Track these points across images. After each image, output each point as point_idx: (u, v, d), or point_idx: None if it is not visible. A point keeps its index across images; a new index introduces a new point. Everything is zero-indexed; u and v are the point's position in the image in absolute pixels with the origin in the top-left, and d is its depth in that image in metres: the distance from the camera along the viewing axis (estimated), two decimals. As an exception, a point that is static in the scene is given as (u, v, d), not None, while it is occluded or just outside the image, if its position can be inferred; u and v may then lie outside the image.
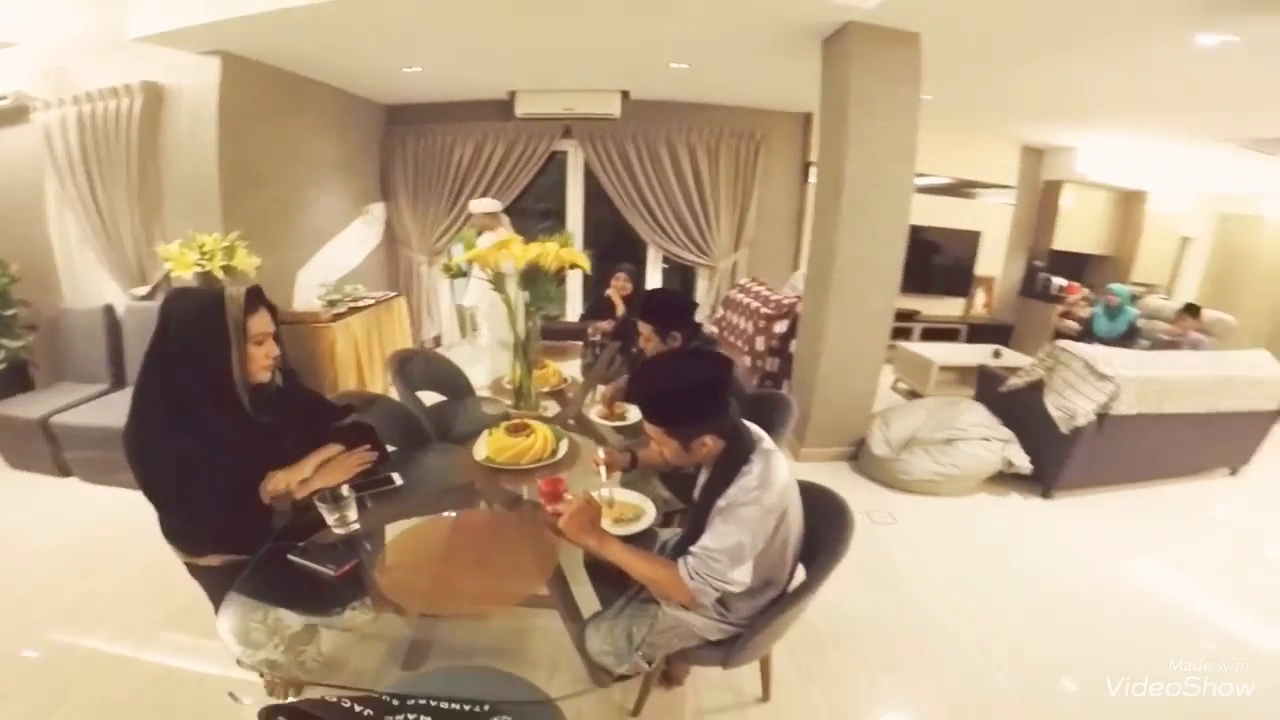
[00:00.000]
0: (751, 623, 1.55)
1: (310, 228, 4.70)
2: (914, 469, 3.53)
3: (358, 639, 1.60)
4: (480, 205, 4.20)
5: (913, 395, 5.02)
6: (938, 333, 6.17)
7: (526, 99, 5.15)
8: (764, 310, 4.40)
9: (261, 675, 1.44)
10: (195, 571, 1.57)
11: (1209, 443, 3.82)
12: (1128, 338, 5.09)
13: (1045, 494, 3.59)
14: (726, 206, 5.69)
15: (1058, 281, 6.55)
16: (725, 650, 1.57)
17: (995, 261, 6.70)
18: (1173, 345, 4.55)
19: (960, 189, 6.47)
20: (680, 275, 6.18)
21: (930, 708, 2.10)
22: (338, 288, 4.30)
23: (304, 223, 4.63)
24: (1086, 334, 5.35)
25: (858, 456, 3.81)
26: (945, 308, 6.58)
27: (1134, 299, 5.45)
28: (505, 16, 3.35)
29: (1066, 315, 5.79)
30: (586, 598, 1.62)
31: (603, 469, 1.72)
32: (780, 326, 4.23)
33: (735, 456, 1.41)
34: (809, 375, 3.74)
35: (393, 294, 5.01)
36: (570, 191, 5.72)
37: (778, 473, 1.39)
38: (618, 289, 3.82)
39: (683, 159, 5.48)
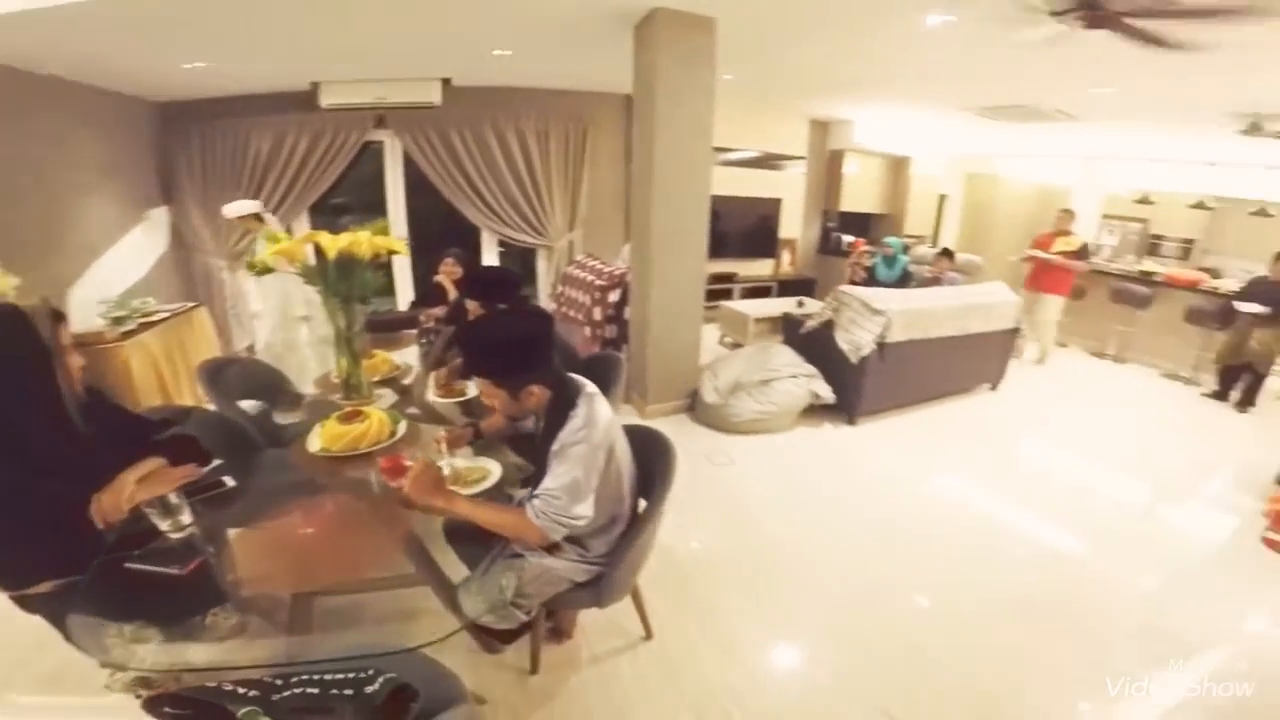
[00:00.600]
0: (610, 558, 1.71)
1: (79, 240, 4.14)
2: (742, 411, 3.97)
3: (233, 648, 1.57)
4: (234, 209, 3.96)
5: (736, 347, 5.55)
6: (754, 290, 6.86)
7: (332, 90, 4.87)
8: (598, 283, 4.63)
9: (138, 696, 1.35)
10: (28, 604, 1.45)
11: (970, 361, 4.72)
12: (903, 281, 5.99)
13: (850, 421, 4.21)
14: (559, 188, 5.83)
15: (846, 238, 7.55)
16: (595, 590, 1.71)
17: (795, 224, 7.54)
18: (934, 283, 5.48)
19: (766, 161, 7.17)
20: (520, 257, 6.24)
21: (797, 626, 2.38)
22: (122, 303, 3.83)
23: (71, 235, 4.07)
24: (871, 280, 6.21)
25: (694, 407, 4.19)
26: (758, 268, 7.31)
27: (905, 249, 6.42)
28: (301, 9, 3.19)
29: (855, 266, 6.68)
30: (455, 566, 1.70)
31: (443, 445, 1.79)
32: (614, 296, 4.49)
33: (563, 403, 1.55)
34: (642, 337, 4.05)
35: (191, 305, 4.57)
36: (390, 181, 5.52)
37: (600, 413, 1.55)
38: (447, 274, 3.81)
39: (512, 144, 5.51)
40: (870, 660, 2.18)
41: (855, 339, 3.93)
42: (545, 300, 6.04)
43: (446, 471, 1.70)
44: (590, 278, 4.79)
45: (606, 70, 4.43)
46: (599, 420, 1.53)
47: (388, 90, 4.93)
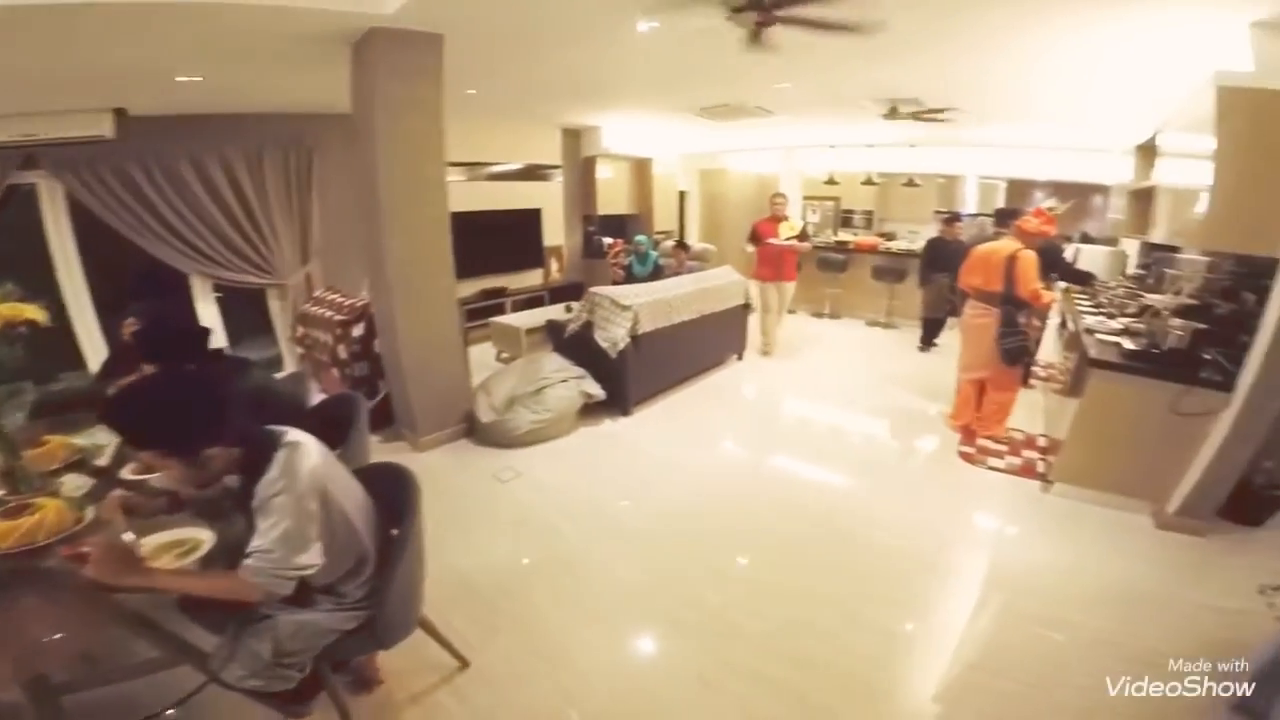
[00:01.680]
0: (372, 600, 1.65)
1: None
2: (520, 423, 4.01)
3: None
4: None
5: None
6: (529, 301, 6.95)
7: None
8: (338, 318, 4.34)
9: None
10: None
11: (715, 338, 5.30)
12: (656, 274, 6.53)
13: (625, 412, 4.46)
14: (283, 219, 5.27)
15: (606, 240, 8.00)
16: (372, 633, 1.65)
17: (559, 232, 7.79)
18: (676, 273, 6.10)
19: (527, 173, 7.32)
20: (248, 300, 5.55)
21: (611, 618, 2.45)
22: None
23: None
24: (630, 278, 6.67)
25: (474, 429, 4.14)
26: (529, 279, 7.43)
27: (655, 245, 7.02)
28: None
29: (614, 266, 7.13)
30: (205, 636, 1.52)
31: (117, 515, 1.64)
32: (358, 330, 4.24)
33: (256, 459, 1.46)
34: (398, 368, 3.87)
35: None
36: (53, 231, 4.53)
37: (303, 460, 1.49)
38: (129, 332, 3.25)
39: (215, 175, 4.85)
40: (684, 634, 2.35)
41: (611, 335, 4.21)
42: (285, 345, 5.48)
43: (131, 537, 1.58)
44: (329, 314, 4.47)
45: (330, 91, 4.13)
46: (299, 468, 1.46)
47: (39, 125, 4.05)
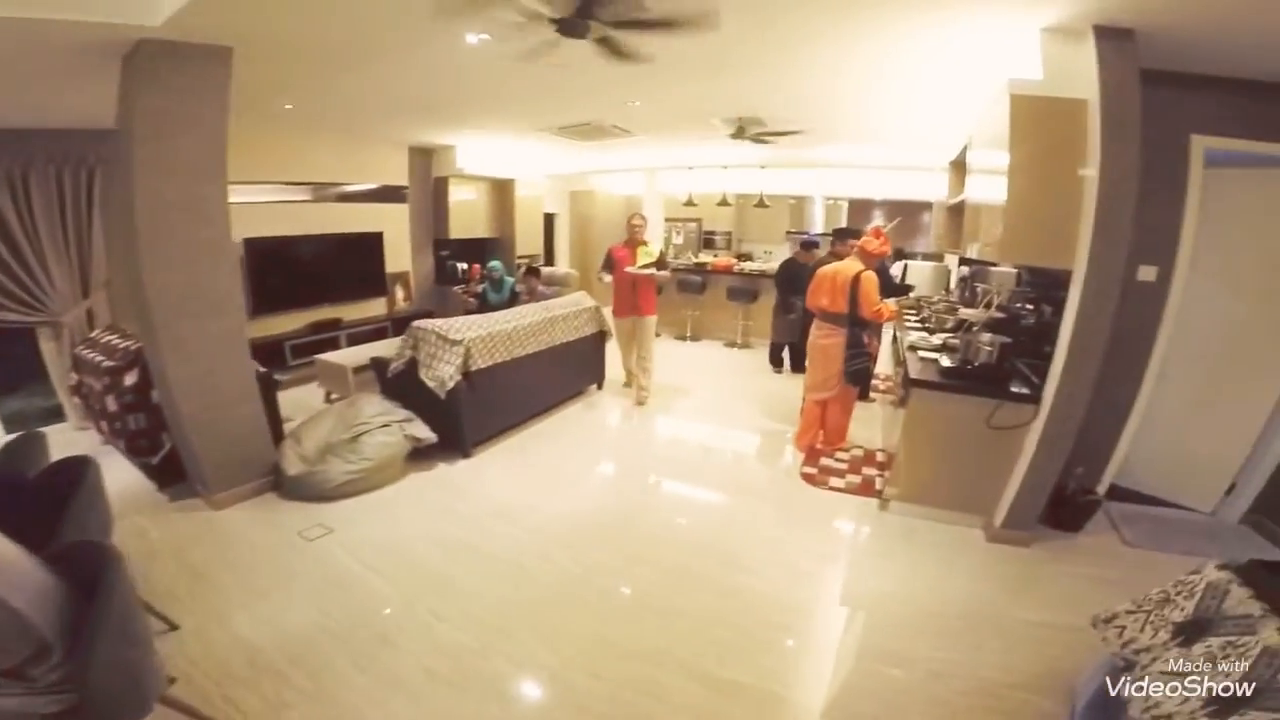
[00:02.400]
0: (73, 681, 1.51)
1: None
2: (333, 474, 3.48)
3: None
4: None
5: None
6: (372, 333, 6.30)
7: None
8: (107, 364, 3.59)
9: None
10: None
11: (570, 368, 4.98)
12: (513, 301, 6.16)
13: (465, 454, 4.03)
14: (54, 247, 4.39)
15: (462, 266, 7.51)
16: (86, 716, 1.51)
17: (405, 257, 7.20)
18: (530, 300, 5.75)
19: (373, 194, 6.74)
20: (18, 341, 4.55)
21: (421, 695, 2.13)
22: None
23: None
24: (485, 306, 6.24)
25: (281, 483, 3.56)
26: (370, 309, 6.77)
27: (510, 272, 6.66)
28: None
29: (465, 294, 6.67)
30: None
31: None
32: (131, 378, 3.51)
33: None
34: (177, 420, 3.27)
35: None
36: None
37: None
38: None
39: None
40: (510, 701, 2.15)
41: (439, 374, 3.77)
42: (64, 395, 4.56)
43: None
44: (100, 359, 3.71)
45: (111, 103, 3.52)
46: None
47: None
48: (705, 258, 7.85)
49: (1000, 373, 2.87)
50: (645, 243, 5.05)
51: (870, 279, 3.66)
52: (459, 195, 7.67)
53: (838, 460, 3.98)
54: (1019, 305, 3.42)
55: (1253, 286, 3.00)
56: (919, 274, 5.45)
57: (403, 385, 4.01)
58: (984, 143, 3.35)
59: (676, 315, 7.38)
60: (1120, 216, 2.36)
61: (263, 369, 3.90)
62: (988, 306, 3.24)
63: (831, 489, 3.64)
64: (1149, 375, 3.01)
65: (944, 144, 5.00)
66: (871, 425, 4.61)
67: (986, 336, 2.94)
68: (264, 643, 2.35)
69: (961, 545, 3.04)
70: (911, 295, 4.65)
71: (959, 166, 4.39)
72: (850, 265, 3.77)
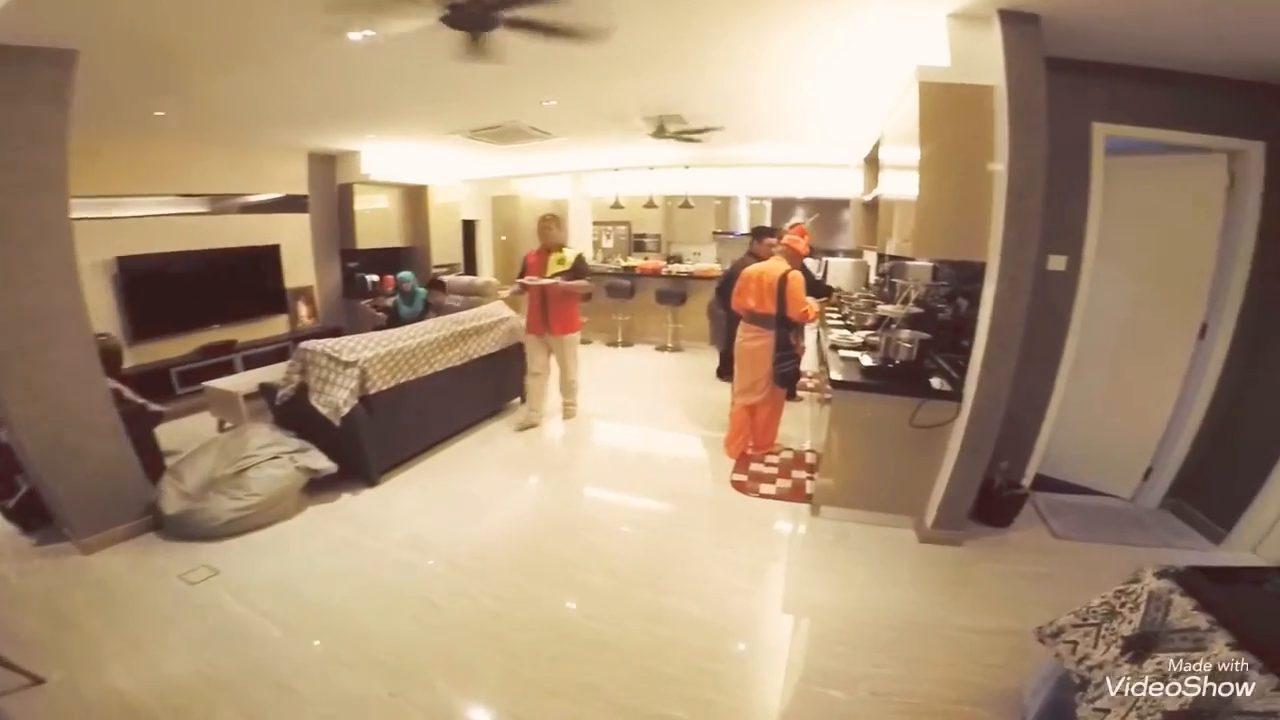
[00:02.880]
0: None
1: None
2: (218, 512, 3.10)
3: None
4: None
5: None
6: (266, 357, 5.76)
7: None
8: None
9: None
10: None
11: (489, 383, 4.68)
12: (425, 314, 5.78)
13: (371, 483, 3.67)
14: None
15: (372, 278, 7.04)
16: None
17: (308, 270, 6.68)
18: (444, 313, 5.43)
19: (272, 205, 6.26)
20: None
21: None
22: None
23: None
24: (395, 320, 5.83)
25: (161, 523, 3.15)
26: (269, 328, 6.23)
27: (424, 283, 6.28)
28: None
29: (374, 307, 6.25)
30: None
31: None
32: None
33: None
34: (29, 460, 2.87)
35: None
36: None
37: None
38: None
39: None
40: None
41: (332, 399, 3.41)
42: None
43: None
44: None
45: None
46: None
47: None
48: (636, 260, 7.64)
49: (921, 370, 2.81)
50: (560, 248, 4.50)
51: (798, 279, 3.56)
52: (366, 203, 7.21)
53: (768, 464, 3.86)
54: (936, 300, 3.39)
55: (1154, 271, 3.05)
56: (839, 271, 5.44)
57: (299, 412, 3.62)
58: (896, 137, 3.29)
59: (607, 320, 7.17)
60: (1030, 205, 2.30)
61: (140, 400, 3.51)
62: (905, 302, 3.18)
63: (763, 495, 3.51)
64: (1064, 364, 3.01)
65: (858, 141, 5.00)
66: (800, 425, 4.54)
67: (906, 334, 2.87)
68: (142, 694, 2.12)
69: (894, 548, 2.95)
70: (833, 294, 4.61)
71: (873, 163, 4.37)
72: (776, 265, 3.66)
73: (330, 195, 7.06)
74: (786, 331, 3.61)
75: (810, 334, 5.35)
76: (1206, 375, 2.97)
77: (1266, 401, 2.82)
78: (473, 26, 2.75)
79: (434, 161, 7.52)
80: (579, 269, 4.47)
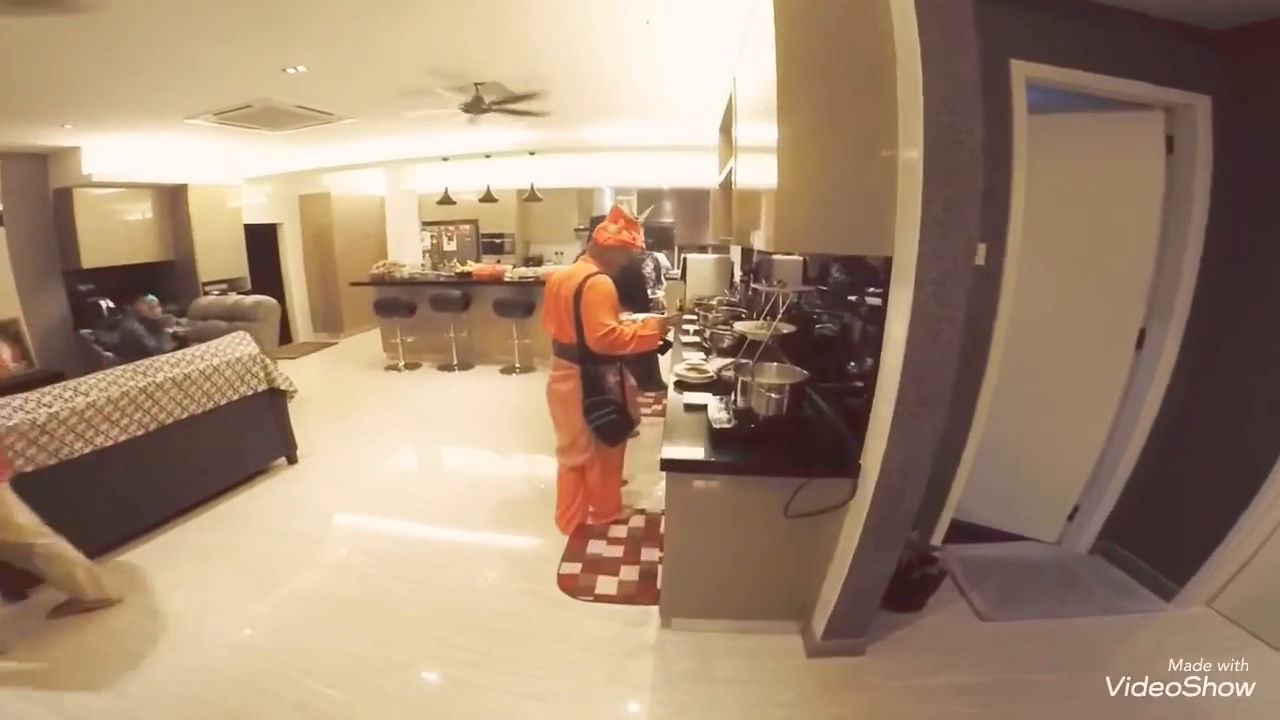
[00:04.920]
0: None
1: None
2: None
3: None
4: None
5: None
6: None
7: None
8: None
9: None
10: None
11: (231, 442, 3.38)
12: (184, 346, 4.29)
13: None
14: None
15: (107, 303, 5.36)
16: None
17: (9, 300, 4.88)
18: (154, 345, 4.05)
19: None
20: None
21: None
22: None
23: None
24: (138, 353, 4.29)
25: None
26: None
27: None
28: None
29: (96, 341, 4.64)
30: None
31: None
32: None
33: None
34: None
35: None
36: None
37: None
38: None
39: None
40: None
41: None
42: None
43: None
44: None
45: None
46: None
47: None
48: (473, 266, 6.36)
49: (796, 426, 1.85)
50: None
51: (599, 288, 2.47)
52: (94, 211, 5.51)
53: (612, 539, 2.83)
54: (812, 304, 2.47)
55: (1083, 266, 2.31)
56: (697, 271, 4.51)
57: None
58: (748, 81, 2.31)
59: (439, 339, 5.88)
60: (964, 157, 1.36)
61: None
62: (772, 315, 2.24)
63: (599, 597, 2.47)
64: (985, 392, 2.20)
65: (713, 108, 4.11)
66: (651, 463, 3.47)
67: (771, 376, 1.92)
68: None
69: (776, 671, 2.02)
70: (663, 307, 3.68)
71: (728, 131, 3.40)
72: (578, 270, 2.59)
73: (41, 203, 5.31)
74: (595, 367, 2.56)
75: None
76: (1147, 394, 2.28)
77: (1221, 424, 2.15)
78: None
79: (199, 155, 5.91)
80: None
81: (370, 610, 2.47)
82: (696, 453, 1.80)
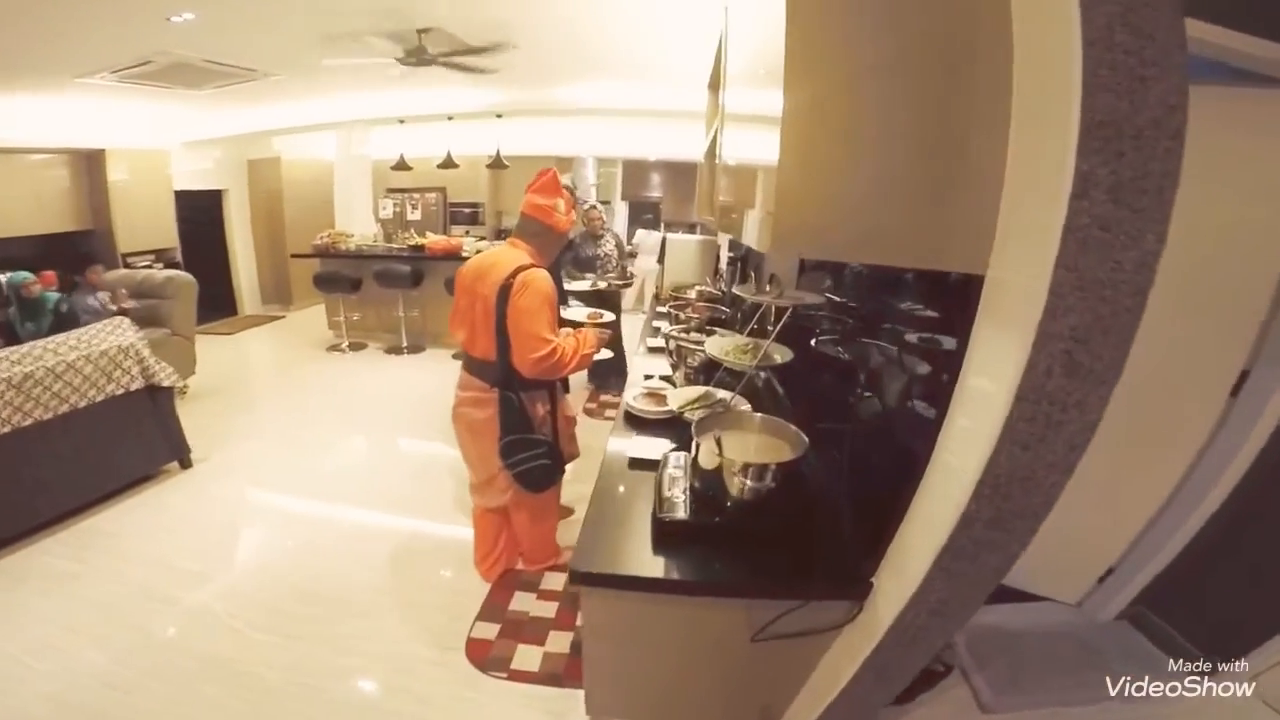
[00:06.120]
0: None
1: None
2: None
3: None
4: None
5: None
6: None
7: None
8: None
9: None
10: None
11: (103, 446, 2.81)
12: (66, 325, 3.64)
13: None
14: None
15: (21, 275, 4.68)
16: None
17: None
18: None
19: None
20: None
21: None
22: None
23: None
24: (12, 340, 3.67)
25: None
26: None
27: (75, 287, 4.15)
28: None
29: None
30: None
31: None
32: None
33: None
34: None
35: None
36: None
37: None
38: None
39: None
40: None
41: None
42: None
43: None
44: None
45: None
46: None
47: None
48: (425, 239, 5.71)
49: (780, 521, 1.23)
50: None
51: (535, 287, 1.85)
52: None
53: (542, 594, 2.28)
54: (822, 329, 1.81)
55: (1183, 281, 1.72)
56: (677, 254, 3.89)
57: None
58: (746, 17, 1.66)
59: (389, 317, 5.28)
60: (1154, 114, 0.68)
61: None
62: (761, 332, 1.66)
63: (514, 675, 1.93)
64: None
65: (701, 63, 3.46)
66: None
67: (754, 433, 1.34)
68: None
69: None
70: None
71: (715, 88, 2.74)
72: (503, 259, 1.95)
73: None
74: (520, 394, 1.94)
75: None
76: (1238, 452, 1.75)
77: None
78: None
79: (124, 118, 5.30)
80: None
81: (224, 672, 1.93)
82: (630, 555, 1.20)
